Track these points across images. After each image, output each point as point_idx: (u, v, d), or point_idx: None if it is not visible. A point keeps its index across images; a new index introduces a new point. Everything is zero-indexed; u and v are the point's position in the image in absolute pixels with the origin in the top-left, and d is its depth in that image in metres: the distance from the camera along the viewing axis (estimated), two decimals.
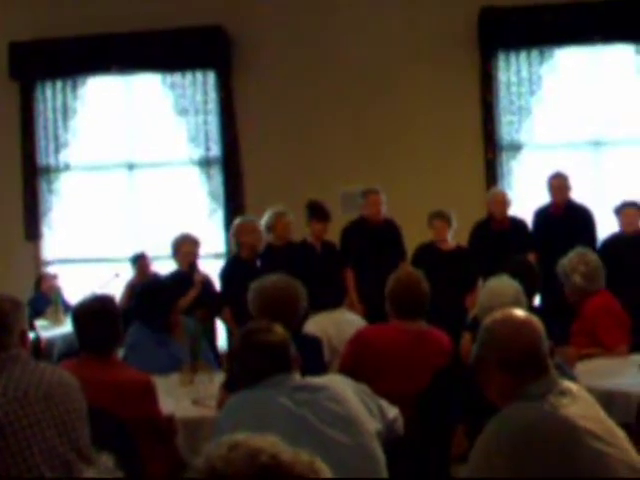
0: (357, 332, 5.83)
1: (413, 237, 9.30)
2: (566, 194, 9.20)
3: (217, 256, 10.49)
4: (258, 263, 8.39)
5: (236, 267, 8.34)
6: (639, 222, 8.79)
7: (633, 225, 8.75)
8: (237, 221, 8.72)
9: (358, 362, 5.41)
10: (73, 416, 3.43)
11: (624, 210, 8.80)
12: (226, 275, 8.44)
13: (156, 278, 8.83)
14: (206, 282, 8.60)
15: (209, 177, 11.19)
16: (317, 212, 9.04)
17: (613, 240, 8.83)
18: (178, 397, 5.46)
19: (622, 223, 8.82)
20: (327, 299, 6.63)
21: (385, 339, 5.50)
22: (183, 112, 11.16)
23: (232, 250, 9.08)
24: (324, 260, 8.85)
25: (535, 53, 10.61)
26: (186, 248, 8.60)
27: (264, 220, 8.78)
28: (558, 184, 9.21)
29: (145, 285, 7.09)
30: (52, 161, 11.33)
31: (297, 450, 1.64)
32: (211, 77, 11.15)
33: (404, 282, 5.72)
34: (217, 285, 8.69)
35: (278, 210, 8.89)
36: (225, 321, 8.49)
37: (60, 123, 11.29)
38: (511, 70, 10.68)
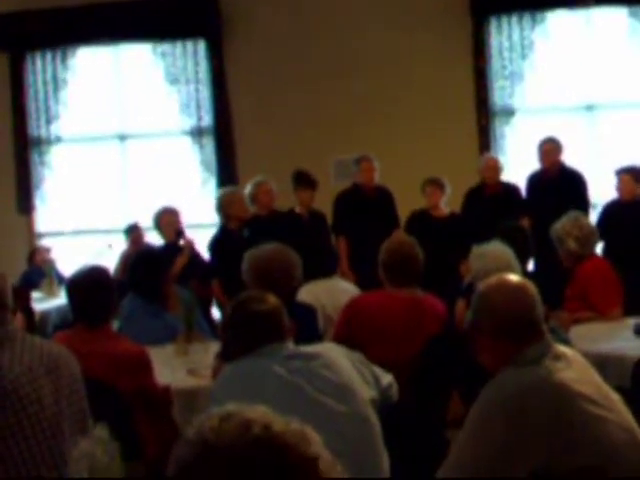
0: (351, 299, 5.84)
1: (406, 204, 9.28)
2: (555, 159, 9.15)
3: (210, 226, 10.44)
4: (246, 233, 8.35)
5: (225, 238, 8.30)
6: (634, 188, 8.67)
7: (626, 191, 8.65)
8: (221, 193, 8.67)
9: (353, 329, 5.42)
10: (74, 388, 3.43)
11: (619, 175, 8.72)
12: (215, 246, 8.39)
13: (149, 249, 8.80)
14: (194, 248, 8.54)
15: (201, 147, 11.16)
16: (302, 180, 9.04)
17: (612, 205, 8.77)
18: (173, 368, 5.46)
19: (618, 188, 8.72)
20: (320, 268, 6.62)
21: (379, 306, 5.50)
22: (174, 82, 11.12)
23: (220, 221, 9.01)
24: (312, 229, 8.83)
25: (527, 17, 10.57)
26: (166, 219, 8.56)
27: (246, 191, 8.75)
28: (546, 149, 9.17)
29: (138, 256, 7.06)
30: (43, 133, 11.29)
31: (288, 419, 1.64)
32: (202, 46, 11.09)
33: (398, 249, 5.72)
34: (206, 256, 8.63)
35: (257, 180, 8.88)
36: (214, 293, 8.41)
37: (51, 94, 11.24)
38: (503, 35, 10.64)
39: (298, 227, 8.73)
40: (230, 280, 7.16)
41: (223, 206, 8.44)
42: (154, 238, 9.55)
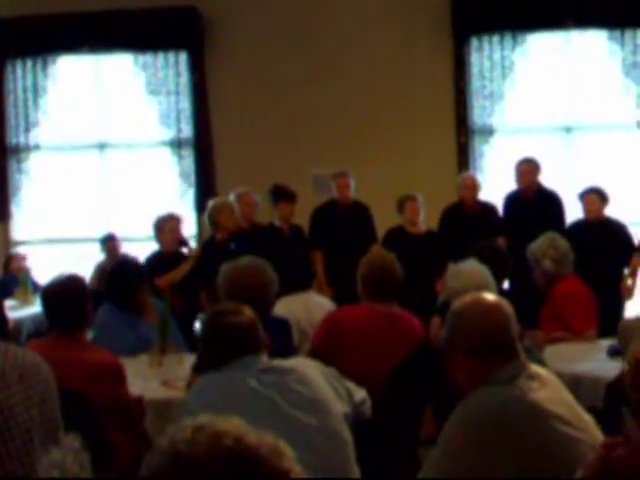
0: (329, 313, 5.85)
1: (384, 220, 9.30)
2: (532, 179, 9.17)
3: (188, 237, 10.41)
4: (232, 245, 8.30)
5: (212, 250, 8.25)
6: (600, 208, 8.76)
7: (593, 211, 8.73)
8: (212, 202, 8.61)
9: (330, 342, 5.42)
10: (46, 396, 3.41)
11: (585, 196, 8.80)
12: (203, 258, 8.32)
13: (126, 259, 8.75)
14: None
15: (180, 158, 11.14)
16: (284, 194, 9.04)
17: (576, 226, 8.84)
18: (147, 378, 5.45)
19: (584, 209, 8.82)
20: (296, 282, 6.62)
21: (357, 320, 5.50)
22: (155, 92, 11.10)
23: (205, 232, 8.96)
24: (292, 243, 8.83)
25: (508, 38, 10.62)
26: (171, 225, 8.44)
27: None
28: (523, 169, 9.20)
29: (115, 266, 7.04)
30: (22, 141, 11.24)
31: (261, 433, 1.64)
32: (183, 57, 11.09)
33: (378, 264, 5.73)
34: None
35: (239, 191, 8.87)
36: (201, 304, 8.33)
37: (30, 102, 11.20)
38: (484, 55, 10.69)
39: (278, 241, 8.72)
40: (216, 292, 7.13)
41: (212, 215, 8.39)
42: (130, 248, 9.53)
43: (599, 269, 8.15)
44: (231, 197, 8.76)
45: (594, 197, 8.72)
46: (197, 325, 8.36)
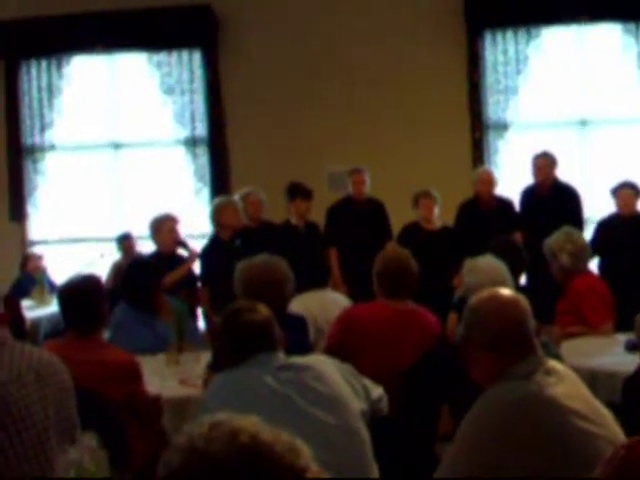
0: (345, 310, 5.85)
1: (400, 216, 9.29)
2: (548, 174, 9.15)
3: (203, 236, 10.42)
4: (237, 242, 8.29)
5: (217, 248, 8.24)
6: (635, 203, 8.69)
7: (629, 206, 8.64)
8: (216, 202, 8.61)
9: (345, 340, 5.42)
10: (63, 395, 3.42)
11: (619, 191, 8.71)
12: (207, 256, 8.32)
13: (141, 258, 8.76)
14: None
15: (195, 157, 11.15)
16: (300, 191, 9.05)
17: (609, 221, 8.77)
18: (164, 377, 5.46)
19: (618, 204, 8.74)
20: (312, 279, 6.61)
21: (372, 317, 5.50)
22: (169, 91, 11.11)
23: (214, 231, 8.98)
24: (307, 240, 8.83)
25: (522, 32, 10.59)
26: (169, 225, 8.42)
27: None
28: (539, 163, 9.17)
29: (131, 265, 7.05)
30: (37, 141, 11.27)
31: (278, 430, 1.65)
32: (197, 56, 11.10)
33: (393, 261, 5.73)
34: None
35: (244, 191, 8.88)
36: (202, 302, 8.31)
37: (45, 102, 11.22)
38: (498, 49, 10.66)
39: (294, 239, 8.72)
40: (218, 290, 7.14)
41: (216, 214, 8.38)
42: (146, 247, 9.53)
43: (633, 264, 8.11)
44: (236, 197, 8.78)
45: (629, 192, 8.62)
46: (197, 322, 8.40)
